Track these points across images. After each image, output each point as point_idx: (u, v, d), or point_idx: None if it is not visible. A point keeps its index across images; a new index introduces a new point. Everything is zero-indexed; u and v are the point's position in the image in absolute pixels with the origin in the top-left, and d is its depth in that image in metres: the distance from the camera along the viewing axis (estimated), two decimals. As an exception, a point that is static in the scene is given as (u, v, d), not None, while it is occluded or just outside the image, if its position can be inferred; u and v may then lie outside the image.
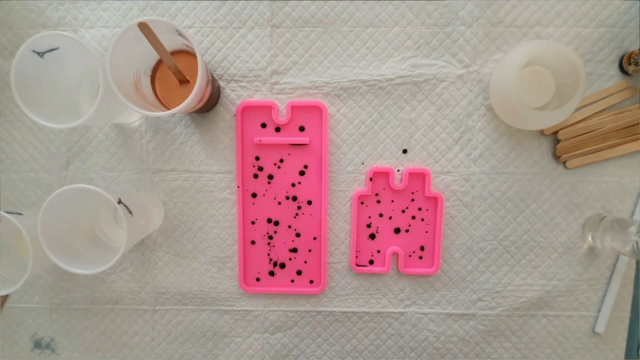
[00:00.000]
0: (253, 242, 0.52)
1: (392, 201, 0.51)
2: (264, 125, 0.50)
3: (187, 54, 0.44)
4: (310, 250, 0.51)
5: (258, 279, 0.52)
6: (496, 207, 0.50)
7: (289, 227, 0.51)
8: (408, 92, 0.49)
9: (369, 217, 0.51)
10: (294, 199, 0.51)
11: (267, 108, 0.49)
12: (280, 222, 0.51)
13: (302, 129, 0.50)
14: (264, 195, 0.51)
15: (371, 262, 0.52)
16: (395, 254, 0.51)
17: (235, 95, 0.50)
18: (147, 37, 0.37)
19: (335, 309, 0.53)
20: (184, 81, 0.44)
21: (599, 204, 0.50)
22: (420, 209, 0.51)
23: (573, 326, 0.52)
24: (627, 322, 0.51)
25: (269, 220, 0.51)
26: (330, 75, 0.49)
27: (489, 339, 0.53)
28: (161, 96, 0.45)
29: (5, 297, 0.48)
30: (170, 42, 0.42)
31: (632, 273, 0.50)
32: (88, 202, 0.47)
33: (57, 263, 0.39)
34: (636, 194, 0.50)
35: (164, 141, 0.51)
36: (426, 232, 0.51)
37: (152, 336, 0.54)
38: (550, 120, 0.44)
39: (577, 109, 0.48)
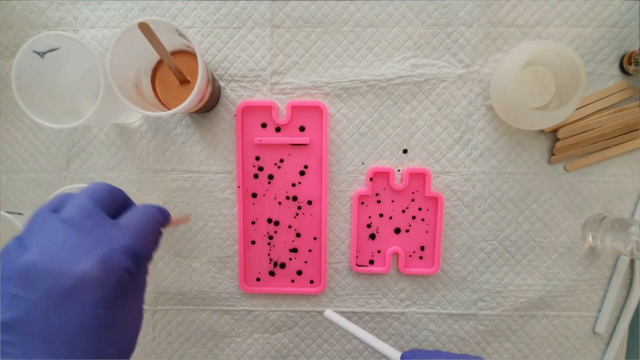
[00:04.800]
0: (253, 242, 0.52)
1: (393, 201, 0.51)
2: (264, 125, 0.50)
3: (188, 54, 0.45)
4: (310, 250, 0.51)
5: (258, 279, 0.52)
6: (497, 207, 0.50)
7: (289, 227, 0.51)
8: (408, 92, 0.49)
9: (369, 217, 0.51)
10: (294, 199, 0.51)
11: (268, 108, 0.49)
12: (280, 222, 0.51)
13: (302, 129, 0.50)
14: (264, 195, 0.51)
15: (371, 262, 0.52)
16: (396, 254, 0.51)
17: (235, 96, 0.50)
18: (148, 38, 0.37)
19: (335, 309, 0.53)
20: (184, 81, 0.44)
21: (599, 204, 0.50)
22: (420, 209, 0.51)
23: (573, 326, 0.52)
24: (627, 322, 0.51)
25: (269, 220, 0.51)
26: (331, 76, 0.49)
27: (489, 339, 0.53)
28: (161, 96, 0.45)
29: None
30: (171, 42, 0.42)
31: (633, 273, 0.50)
32: (88, 202, 0.46)
33: (58, 263, 0.39)
34: (637, 193, 0.50)
35: (165, 141, 0.51)
36: (426, 232, 0.51)
37: (153, 336, 0.54)
38: (550, 120, 0.44)
39: (577, 108, 0.48)
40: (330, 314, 0.43)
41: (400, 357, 0.39)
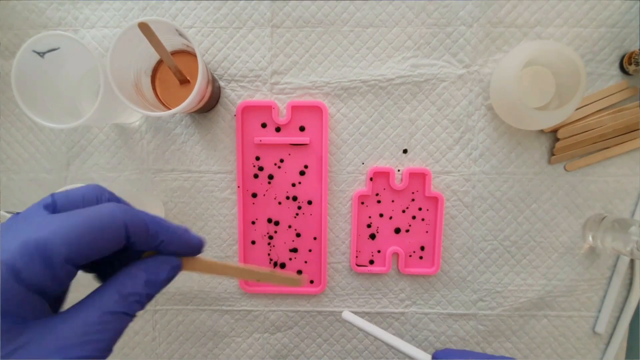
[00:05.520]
0: (253, 242, 0.52)
1: (393, 201, 0.51)
2: (264, 125, 0.50)
3: (188, 54, 0.45)
4: (310, 250, 0.51)
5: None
6: (497, 207, 0.50)
7: (289, 227, 0.51)
8: (408, 92, 0.49)
9: (369, 217, 0.51)
10: (294, 199, 0.51)
11: (268, 108, 0.49)
12: (280, 222, 0.51)
13: (302, 129, 0.50)
14: (264, 195, 0.51)
15: (371, 262, 0.52)
16: (396, 254, 0.51)
17: (235, 95, 0.50)
18: (148, 37, 0.37)
19: (335, 309, 0.53)
20: (185, 81, 0.44)
21: (599, 204, 0.50)
22: (420, 209, 0.51)
23: (573, 326, 0.52)
24: (627, 322, 0.51)
25: (269, 220, 0.51)
26: (331, 75, 0.49)
27: (489, 339, 0.53)
28: (161, 96, 0.45)
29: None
30: (171, 42, 0.42)
31: (633, 273, 0.50)
32: (88, 202, 0.46)
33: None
34: (636, 193, 0.50)
35: (165, 141, 0.51)
36: (426, 232, 0.51)
37: (153, 336, 0.54)
38: (550, 120, 0.44)
39: (577, 108, 0.48)
40: (348, 315, 0.41)
41: (432, 358, 0.37)
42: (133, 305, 0.19)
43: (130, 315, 0.19)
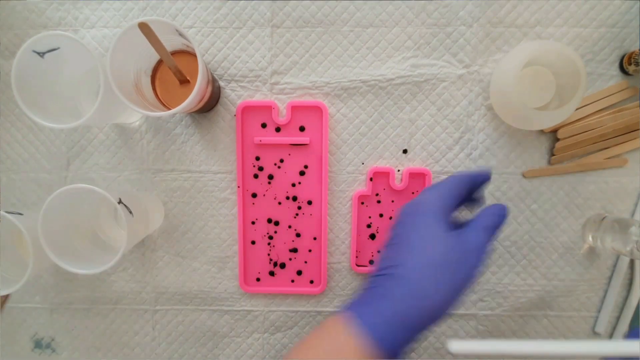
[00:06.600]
0: (253, 242, 0.52)
1: (393, 201, 0.51)
2: (264, 125, 0.50)
3: (188, 54, 0.45)
4: (310, 251, 0.51)
5: (258, 279, 0.52)
6: (496, 207, 0.50)
7: (289, 227, 0.51)
8: (408, 92, 0.49)
9: (369, 217, 0.51)
10: (294, 199, 0.51)
11: (268, 108, 0.49)
12: (280, 222, 0.51)
13: (302, 129, 0.50)
14: (264, 195, 0.51)
15: (371, 262, 0.52)
16: (396, 254, 0.51)
17: (235, 95, 0.50)
18: (148, 37, 0.37)
19: (335, 309, 0.53)
20: (184, 81, 0.44)
21: (599, 204, 0.50)
22: (420, 209, 0.50)
23: (573, 326, 0.52)
24: (627, 322, 0.51)
25: (269, 221, 0.51)
26: (331, 76, 0.49)
27: (489, 340, 0.52)
28: (161, 96, 0.45)
29: (6, 297, 0.48)
30: (171, 42, 0.42)
31: (633, 273, 0.50)
32: (88, 202, 0.47)
33: (58, 263, 0.39)
34: (637, 193, 0.50)
35: (165, 141, 0.51)
36: (426, 232, 0.51)
37: (153, 336, 0.54)
38: (550, 120, 0.44)
39: (577, 108, 0.48)
40: (457, 346, 0.28)
41: None
42: (492, 219, 0.35)
43: (493, 231, 0.34)
